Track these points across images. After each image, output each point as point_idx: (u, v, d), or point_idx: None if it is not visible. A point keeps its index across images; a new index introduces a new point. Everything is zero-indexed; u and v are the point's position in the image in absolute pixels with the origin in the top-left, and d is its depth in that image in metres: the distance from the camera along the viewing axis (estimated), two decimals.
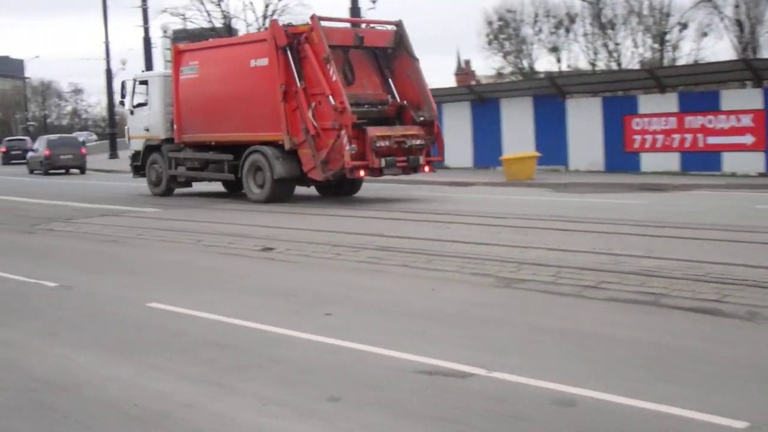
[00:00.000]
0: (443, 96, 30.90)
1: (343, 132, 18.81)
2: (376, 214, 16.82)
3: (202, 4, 58.53)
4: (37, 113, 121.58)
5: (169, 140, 23.08)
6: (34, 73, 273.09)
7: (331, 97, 18.98)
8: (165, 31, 55.86)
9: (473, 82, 60.75)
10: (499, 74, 55.45)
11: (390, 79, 20.88)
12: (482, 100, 31.71)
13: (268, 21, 59.64)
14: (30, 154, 45.46)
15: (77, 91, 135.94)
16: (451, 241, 12.34)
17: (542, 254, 10.89)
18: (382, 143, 19.19)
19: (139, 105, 24.14)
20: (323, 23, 19.78)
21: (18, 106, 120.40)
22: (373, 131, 19.13)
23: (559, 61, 52.94)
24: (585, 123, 28.46)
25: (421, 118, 20.20)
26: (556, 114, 29.27)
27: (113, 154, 52.76)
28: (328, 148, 19.14)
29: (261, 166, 20.52)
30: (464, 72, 74.83)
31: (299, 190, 21.13)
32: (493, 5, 61.75)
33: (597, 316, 7.92)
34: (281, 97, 19.60)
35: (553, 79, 33.70)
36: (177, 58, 22.85)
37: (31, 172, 42.75)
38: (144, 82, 24.28)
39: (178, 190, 23.79)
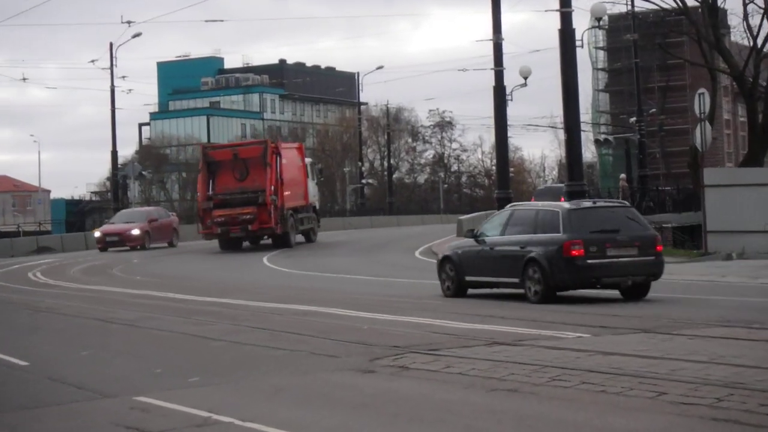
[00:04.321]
0: None
1: (198, 212, 34.88)
2: None
3: None
4: (377, 162, 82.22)
5: None
6: (373, 96, 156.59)
7: (198, 193, 34.83)
8: (598, 20, 35.71)
9: None
10: None
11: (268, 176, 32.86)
12: None
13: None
14: None
15: (442, 125, 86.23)
16: None
17: None
18: (219, 218, 31.90)
19: None
20: (210, 149, 36.90)
21: (348, 149, 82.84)
22: (216, 212, 32.06)
23: None
24: None
25: (259, 201, 31.69)
26: None
27: None
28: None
29: None
30: None
31: None
32: None
33: None
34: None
35: None
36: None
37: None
38: None
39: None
